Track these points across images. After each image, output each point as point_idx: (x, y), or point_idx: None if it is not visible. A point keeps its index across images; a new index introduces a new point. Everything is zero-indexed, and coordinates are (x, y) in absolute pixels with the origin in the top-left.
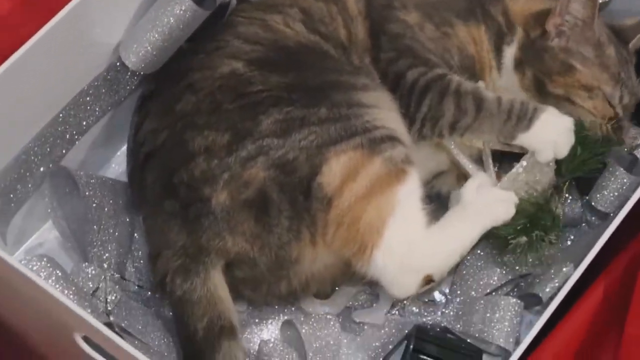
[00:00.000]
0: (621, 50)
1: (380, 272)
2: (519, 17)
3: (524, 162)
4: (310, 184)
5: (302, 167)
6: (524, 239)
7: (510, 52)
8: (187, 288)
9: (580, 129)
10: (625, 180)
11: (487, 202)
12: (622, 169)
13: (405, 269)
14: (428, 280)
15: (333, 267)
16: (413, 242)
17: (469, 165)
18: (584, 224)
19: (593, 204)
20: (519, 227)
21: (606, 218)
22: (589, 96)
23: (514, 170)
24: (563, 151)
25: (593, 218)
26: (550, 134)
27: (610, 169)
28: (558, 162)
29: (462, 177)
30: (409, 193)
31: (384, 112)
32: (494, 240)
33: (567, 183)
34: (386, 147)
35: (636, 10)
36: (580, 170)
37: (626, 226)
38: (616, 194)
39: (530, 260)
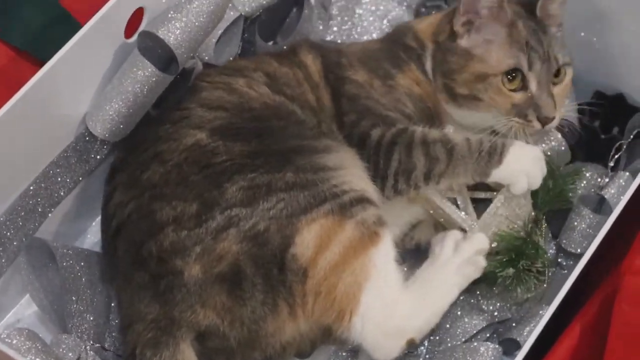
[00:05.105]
0: (528, 21)
1: (360, 337)
2: (428, 33)
3: (501, 197)
4: (283, 255)
5: (274, 239)
6: (511, 270)
7: (429, 67)
8: None
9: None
10: (591, 221)
11: (463, 261)
12: (587, 209)
13: (386, 332)
14: (411, 342)
15: (312, 332)
16: (391, 305)
17: (455, 212)
18: (558, 267)
19: (563, 245)
20: (505, 260)
21: (578, 259)
22: (484, 87)
23: (492, 205)
24: (536, 181)
25: (569, 260)
26: (522, 165)
27: (576, 210)
28: (534, 196)
29: (440, 225)
30: (384, 256)
31: (350, 172)
32: (483, 277)
33: (544, 215)
34: (357, 211)
35: None
36: (555, 202)
37: (600, 266)
38: (584, 234)
39: (519, 292)
